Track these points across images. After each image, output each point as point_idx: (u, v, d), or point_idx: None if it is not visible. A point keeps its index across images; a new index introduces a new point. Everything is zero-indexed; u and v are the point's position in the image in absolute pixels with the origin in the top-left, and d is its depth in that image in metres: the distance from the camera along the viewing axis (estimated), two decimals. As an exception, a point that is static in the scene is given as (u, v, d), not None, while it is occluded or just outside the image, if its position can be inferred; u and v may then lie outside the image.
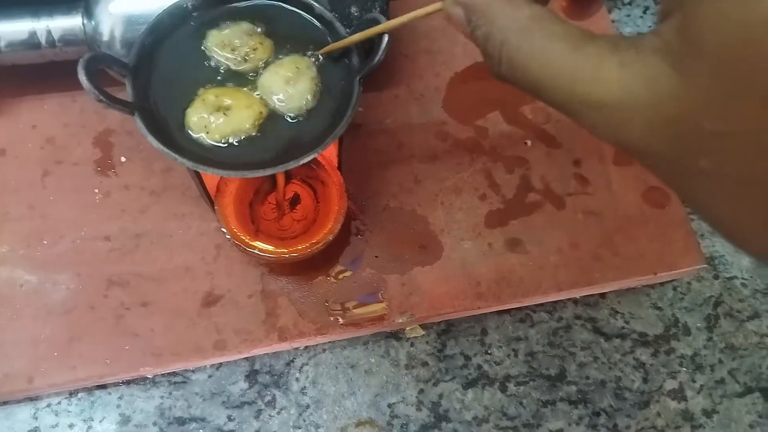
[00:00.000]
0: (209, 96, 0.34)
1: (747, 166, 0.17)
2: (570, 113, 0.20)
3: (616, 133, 0.19)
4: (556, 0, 0.29)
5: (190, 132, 0.33)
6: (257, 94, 0.35)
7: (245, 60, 0.35)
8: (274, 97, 0.34)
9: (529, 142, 0.50)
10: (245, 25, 0.36)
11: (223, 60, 0.35)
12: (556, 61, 0.20)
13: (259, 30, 0.36)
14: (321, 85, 0.35)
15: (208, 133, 0.33)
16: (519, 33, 0.21)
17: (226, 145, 0.33)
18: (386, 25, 0.31)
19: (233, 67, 0.35)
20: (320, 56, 0.35)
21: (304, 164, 0.33)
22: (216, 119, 0.33)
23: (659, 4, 0.18)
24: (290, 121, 0.34)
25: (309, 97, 0.35)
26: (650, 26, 0.60)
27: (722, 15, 0.15)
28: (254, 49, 0.35)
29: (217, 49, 0.35)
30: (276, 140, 0.34)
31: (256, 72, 0.35)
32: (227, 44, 0.35)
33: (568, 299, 0.47)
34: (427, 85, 0.52)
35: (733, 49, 0.15)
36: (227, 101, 0.34)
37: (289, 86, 0.34)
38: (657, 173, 0.20)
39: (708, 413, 0.46)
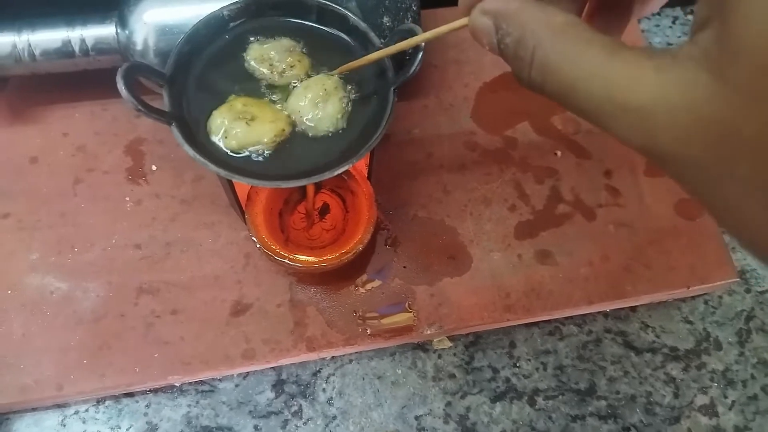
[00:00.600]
0: (237, 103, 0.34)
1: None
2: (601, 119, 0.20)
3: (649, 139, 0.19)
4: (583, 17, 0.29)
5: (209, 133, 0.33)
6: (287, 113, 0.35)
7: (281, 75, 0.35)
8: (304, 119, 0.34)
9: (559, 153, 0.50)
10: (286, 41, 0.36)
11: (259, 74, 0.35)
12: (591, 64, 0.20)
13: (299, 47, 0.36)
14: (351, 102, 0.35)
15: (226, 138, 0.33)
16: (553, 36, 0.21)
17: (241, 155, 0.33)
18: (407, 42, 0.31)
19: (271, 82, 0.35)
20: (340, 76, 0.35)
21: (336, 175, 0.33)
22: (236, 127, 0.33)
23: (695, 14, 0.18)
24: (320, 138, 0.34)
25: (339, 117, 0.34)
26: (679, 36, 0.59)
27: (762, 21, 0.15)
28: (291, 66, 0.35)
29: (255, 63, 0.35)
30: (307, 154, 0.34)
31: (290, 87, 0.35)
32: (266, 59, 0.35)
33: (598, 312, 0.47)
34: (456, 95, 0.51)
35: None
36: (253, 112, 0.34)
37: (318, 108, 0.34)
38: (687, 182, 0.19)
39: (740, 430, 0.45)
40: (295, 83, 0.35)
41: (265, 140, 0.33)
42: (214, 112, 0.33)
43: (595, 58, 0.20)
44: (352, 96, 0.35)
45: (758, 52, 0.16)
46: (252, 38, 0.36)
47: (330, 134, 0.34)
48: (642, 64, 0.19)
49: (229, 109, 0.33)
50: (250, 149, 0.33)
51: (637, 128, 0.19)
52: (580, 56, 0.20)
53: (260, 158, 0.33)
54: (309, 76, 0.36)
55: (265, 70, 0.35)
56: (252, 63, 0.35)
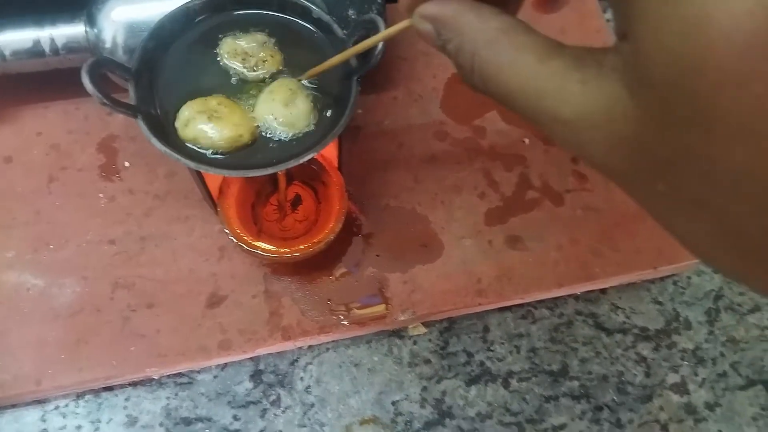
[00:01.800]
0: (212, 100, 0.34)
1: (697, 191, 0.16)
2: (539, 127, 0.20)
3: (582, 150, 0.19)
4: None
5: (175, 124, 0.34)
6: (255, 123, 0.35)
7: (254, 70, 0.36)
8: (274, 123, 0.34)
9: (527, 141, 0.51)
10: (259, 36, 0.36)
11: (232, 68, 0.36)
12: (522, 73, 0.20)
13: (272, 42, 0.37)
14: (318, 100, 0.35)
15: (185, 127, 0.33)
16: (488, 45, 0.21)
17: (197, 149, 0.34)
18: (361, 45, 0.31)
19: (244, 76, 0.36)
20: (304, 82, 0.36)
21: (304, 165, 0.33)
22: (198, 120, 0.33)
23: (613, 17, 0.18)
24: (291, 140, 0.35)
25: (309, 114, 0.35)
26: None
27: (664, 46, 0.15)
28: (264, 61, 0.36)
29: (228, 56, 0.36)
30: (275, 150, 0.34)
31: (264, 82, 0.36)
32: (239, 53, 0.36)
33: (569, 295, 0.48)
34: (425, 86, 0.52)
35: (677, 80, 0.15)
36: (222, 112, 0.34)
37: (288, 109, 0.34)
38: (623, 190, 0.20)
39: (711, 406, 0.46)
40: (268, 77, 0.36)
41: (221, 142, 0.33)
42: (189, 102, 0.34)
43: (527, 66, 0.19)
44: (316, 93, 0.36)
45: (663, 75, 0.15)
46: (221, 34, 0.36)
47: (301, 134, 0.35)
48: (569, 76, 0.18)
49: (202, 103, 0.34)
50: (202, 145, 0.33)
51: (569, 139, 0.19)
52: (512, 64, 0.20)
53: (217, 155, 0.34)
54: (281, 71, 0.36)
55: (238, 64, 0.36)
56: (226, 56, 0.36)
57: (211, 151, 0.34)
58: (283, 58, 0.36)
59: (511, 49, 0.20)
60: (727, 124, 0.14)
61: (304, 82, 0.36)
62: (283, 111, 0.34)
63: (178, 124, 0.34)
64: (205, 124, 0.33)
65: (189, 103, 0.34)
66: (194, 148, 0.34)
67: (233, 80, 0.36)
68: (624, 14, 0.16)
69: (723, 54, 0.14)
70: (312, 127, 0.35)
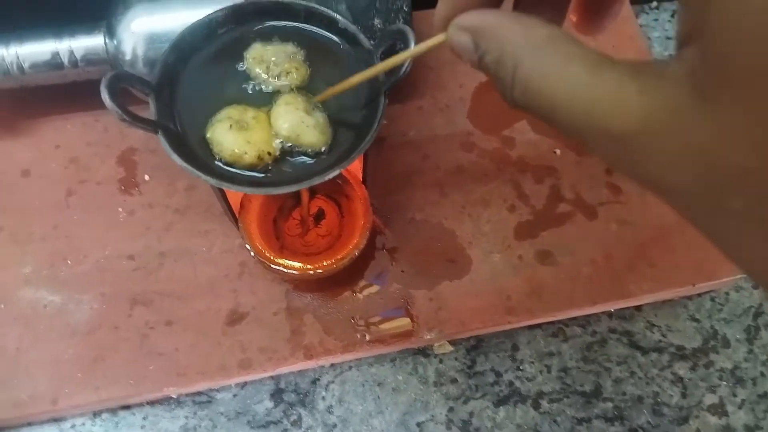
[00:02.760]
0: (234, 112, 0.33)
1: None
2: (587, 143, 0.19)
3: (636, 167, 0.18)
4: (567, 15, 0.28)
5: (209, 142, 0.33)
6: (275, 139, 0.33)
7: (276, 79, 0.34)
8: (291, 137, 0.33)
9: (558, 151, 0.49)
10: (289, 47, 0.35)
11: (252, 72, 0.34)
12: (572, 84, 0.18)
13: (302, 54, 0.35)
14: (341, 114, 0.34)
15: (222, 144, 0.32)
16: (533, 54, 0.19)
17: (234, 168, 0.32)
18: (385, 63, 0.29)
19: (263, 84, 0.34)
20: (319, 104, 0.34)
21: (328, 179, 0.32)
22: (234, 135, 0.32)
23: (678, 23, 0.17)
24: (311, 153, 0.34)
25: (326, 129, 0.33)
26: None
27: (750, 38, 0.13)
28: (288, 72, 0.34)
29: (252, 61, 0.34)
30: (299, 165, 0.33)
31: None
32: (265, 60, 0.34)
33: (603, 312, 0.46)
34: (451, 95, 0.51)
35: (765, 77, 0.14)
36: (250, 122, 0.33)
37: (304, 124, 0.33)
38: (682, 212, 0.18)
39: (751, 429, 0.44)
40: (293, 89, 0.34)
41: (251, 161, 0.32)
42: (214, 119, 0.33)
43: (576, 77, 0.18)
44: (341, 106, 0.34)
45: (747, 72, 0.14)
46: (244, 46, 0.35)
47: (324, 148, 0.33)
48: (625, 86, 0.17)
49: (229, 116, 0.33)
50: (227, 159, 0.32)
51: (622, 155, 0.18)
52: (559, 76, 0.19)
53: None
54: (303, 86, 0.35)
55: (261, 71, 0.34)
56: (250, 60, 0.34)
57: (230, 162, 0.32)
58: (309, 73, 0.35)
59: (559, 58, 0.19)
60: None
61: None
62: (297, 128, 0.33)
63: (215, 130, 0.33)
64: (236, 134, 0.32)
65: (216, 120, 0.33)
66: (216, 159, 0.33)
67: (250, 90, 0.34)
68: (697, 8, 0.15)
69: None
70: (330, 142, 0.33)
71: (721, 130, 0.15)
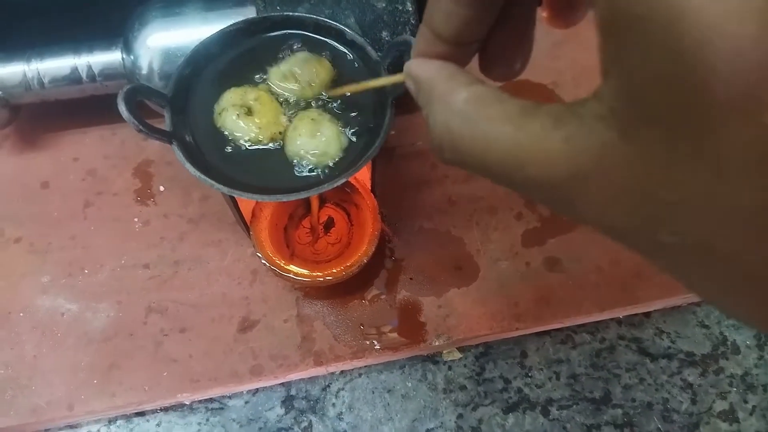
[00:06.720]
0: (235, 97, 0.35)
1: (706, 236, 0.15)
2: (526, 194, 0.19)
3: (575, 212, 0.17)
4: (538, 10, 0.28)
5: (216, 113, 0.35)
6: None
7: (311, 85, 0.35)
8: (307, 156, 0.34)
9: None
10: (300, 54, 0.36)
11: (289, 92, 0.36)
12: (499, 145, 0.18)
13: (312, 55, 0.36)
14: (350, 123, 0.35)
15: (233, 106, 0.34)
16: (459, 118, 0.19)
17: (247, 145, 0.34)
18: (386, 80, 0.31)
19: (301, 95, 0.36)
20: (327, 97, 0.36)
21: (337, 188, 0.33)
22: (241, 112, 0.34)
23: (600, 59, 0.16)
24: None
25: (341, 142, 0.34)
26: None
27: (661, 76, 0.13)
28: (317, 73, 0.35)
29: (280, 82, 0.35)
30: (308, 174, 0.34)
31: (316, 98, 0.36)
32: (288, 76, 0.35)
33: (612, 319, 0.46)
34: (458, 106, 0.51)
35: (679, 113, 0.13)
36: (254, 105, 0.35)
37: (316, 139, 0.34)
38: (629, 248, 0.18)
39: (763, 437, 0.44)
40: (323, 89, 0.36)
41: (261, 137, 0.34)
42: (228, 95, 0.35)
43: (502, 137, 0.18)
44: (350, 115, 0.35)
45: (660, 109, 0.14)
46: (256, 57, 0.36)
47: (336, 160, 0.34)
48: (549, 136, 0.17)
49: (241, 96, 0.35)
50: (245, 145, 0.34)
51: (560, 202, 0.18)
52: (486, 138, 0.19)
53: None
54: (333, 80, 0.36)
55: (293, 86, 0.35)
56: (278, 83, 0.36)
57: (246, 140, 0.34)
58: (331, 64, 0.36)
59: (482, 121, 0.19)
60: (736, 158, 0.13)
61: (335, 105, 0.35)
62: (311, 143, 0.34)
63: (222, 114, 0.34)
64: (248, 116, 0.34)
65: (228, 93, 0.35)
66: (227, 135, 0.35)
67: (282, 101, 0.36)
68: (612, 45, 0.15)
69: (727, 82, 0.12)
70: (342, 153, 0.34)
71: (642, 167, 0.15)
